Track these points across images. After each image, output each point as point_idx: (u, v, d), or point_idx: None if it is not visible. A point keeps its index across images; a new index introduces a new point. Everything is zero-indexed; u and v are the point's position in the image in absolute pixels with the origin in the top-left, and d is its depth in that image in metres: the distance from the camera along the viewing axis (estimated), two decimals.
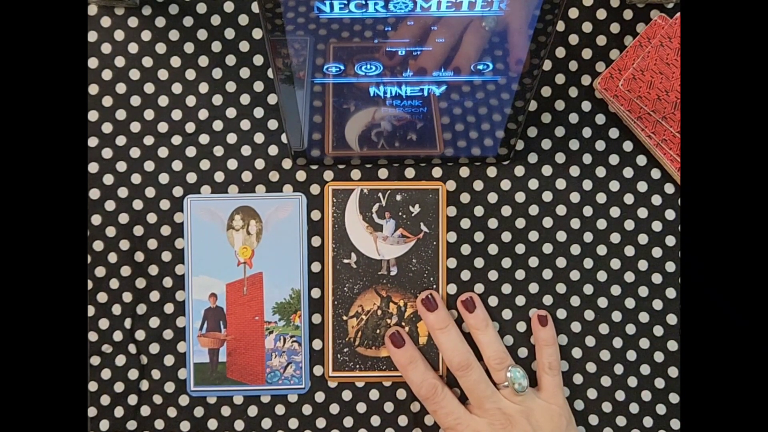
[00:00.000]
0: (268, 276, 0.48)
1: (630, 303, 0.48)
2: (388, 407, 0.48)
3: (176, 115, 0.48)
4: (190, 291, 0.48)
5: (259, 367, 0.48)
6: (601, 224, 0.48)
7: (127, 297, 0.48)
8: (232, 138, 0.48)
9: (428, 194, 0.47)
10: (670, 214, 0.48)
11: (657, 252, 0.48)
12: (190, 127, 0.48)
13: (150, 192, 0.48)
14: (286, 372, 0.48)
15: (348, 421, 0.48)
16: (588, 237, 0.48)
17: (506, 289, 0.48)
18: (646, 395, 0.48)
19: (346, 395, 0.48)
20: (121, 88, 0.48)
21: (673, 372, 0.48)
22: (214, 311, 0.48)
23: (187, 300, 0.48)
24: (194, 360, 0.48)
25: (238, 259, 0.48)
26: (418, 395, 0.46)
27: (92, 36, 0.48)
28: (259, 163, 0.48)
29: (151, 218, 0.48)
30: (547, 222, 0.48)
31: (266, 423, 0.48)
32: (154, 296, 0.48)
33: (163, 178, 0.48)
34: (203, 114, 0.48)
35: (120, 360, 0.48)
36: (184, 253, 0.48)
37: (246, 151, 0.48)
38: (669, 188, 0.48)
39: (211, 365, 0.48)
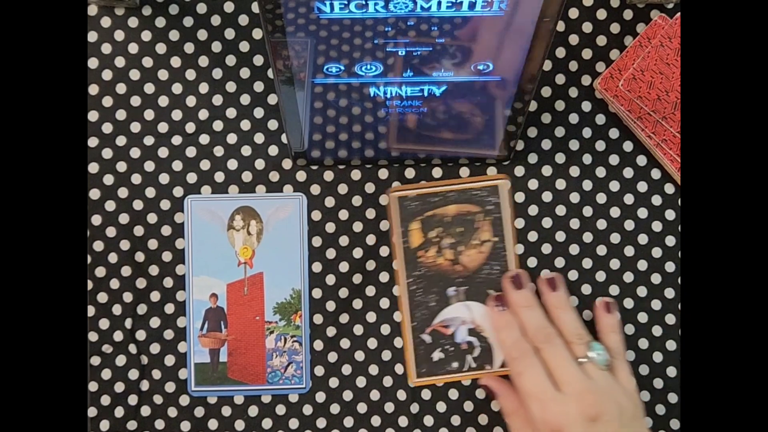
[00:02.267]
0: (268, 276, 0.48)
1: (629, 303, 0.48)
2: (389, 407, 0.49)
3: (176, 115, 0.48)
4: (191, 291, 0.48)
5: (259, 367, 0.48)
6: (601, 224, 0.48)
7: (128, 297, 0.48)
8: (232, 138, 0.48)
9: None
10: (670, 215, 0.48)
11: (657, 252, 0.48)
12: (190, 128, 0.48)
13: (150, 192, 0.48)
14: (287, 372, 0.48)
15: (348, 422, 0.49)
16: (588, 237, 0.48)
17: None
18: (645, 395, 0.48)
19: (347, 395, 0.49)
20: (121, 88, 0.48)
21: (672, 372, 0.48)
22: (215, 311, 0.48)
23: (187, 300, 0.48)
24: (195, 360, 0.48)
25: (239, 260, 0.48)
26: (508, 357, 0.45)
27: (92, 36, 0.48)
28: (260, 164, 0.48)
29: (152, 218, 0.48)
30: (547, 222, 0.48)
31: (267, 423, 0.48)
32: (155, 296, 0.48)
33: (164, 179, 0.48)
34: (203, 114, 0.48)
35: (120, 360, 0.48)
36: (185, 253, 0.48)
37: (246, 151, 0.48)
38: (669, 188, 0.48)
39: (212, 365, 0.48)
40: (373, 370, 0.49)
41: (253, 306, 0.48)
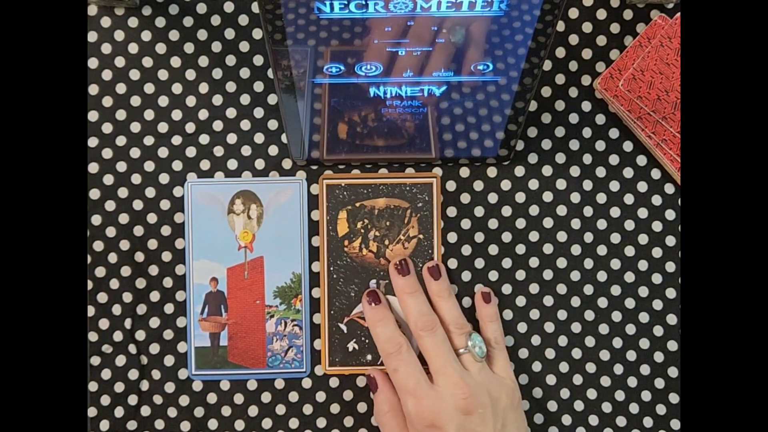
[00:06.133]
0: (269, 260, 0.48)
1: (630, 303, 0.48)
2: None
3: (176, 115, 0.48)
4: (191, 275, 0.48)
5: (260, 350, 0.48)
6: (602, 224, 0.48)
7: (127, 297, 0.48)
8: (232, 138, 0.48)
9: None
10: (670, 214, 0.48)
11: (657, 252, 0.48)
12: (190, 128, 0.48)
13: (150, 192, 0.48)
14: (287, 356, 0.48)
15: (348, 421, 0.49)
16: (588, 237, 0.48)
17: (506, 289, 0.49)
18: (646, 395, 0.48)
19: (347, 395, 0.48)
20: (121, 88, 0.48)
21: (673, 372, 0.48)
22: (215, 295, 0.48)
23: (187, 284, 0.48)
24: (195, 344, 0.48)
25: (239, 244, 0.48)
26: (382, 352, 0.45)
27: (92, 36, 0.48)
28: (259, 163, 0.48)
29: (151, 218, 0.48)
30: (548, 222, 0.48)
31: (266, 423, 0.48)
32: (154, 296, 0.48)
33: (164, 179, 0.48)
34: (203, 114, 0.48)
35: (120, 360, 0.48)
36: (185, 234, 0.48)
37: (246, 151, 0.48)
38: (669, 188, 0.48)
39: (213, 349, 0.48)
40: None
41: (254, 290, 0.48)
